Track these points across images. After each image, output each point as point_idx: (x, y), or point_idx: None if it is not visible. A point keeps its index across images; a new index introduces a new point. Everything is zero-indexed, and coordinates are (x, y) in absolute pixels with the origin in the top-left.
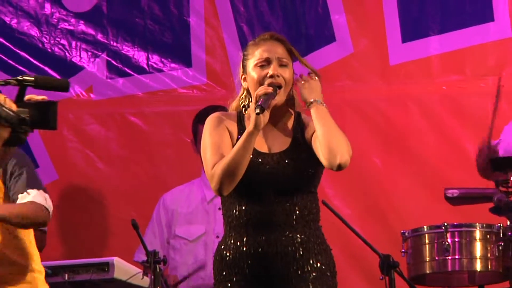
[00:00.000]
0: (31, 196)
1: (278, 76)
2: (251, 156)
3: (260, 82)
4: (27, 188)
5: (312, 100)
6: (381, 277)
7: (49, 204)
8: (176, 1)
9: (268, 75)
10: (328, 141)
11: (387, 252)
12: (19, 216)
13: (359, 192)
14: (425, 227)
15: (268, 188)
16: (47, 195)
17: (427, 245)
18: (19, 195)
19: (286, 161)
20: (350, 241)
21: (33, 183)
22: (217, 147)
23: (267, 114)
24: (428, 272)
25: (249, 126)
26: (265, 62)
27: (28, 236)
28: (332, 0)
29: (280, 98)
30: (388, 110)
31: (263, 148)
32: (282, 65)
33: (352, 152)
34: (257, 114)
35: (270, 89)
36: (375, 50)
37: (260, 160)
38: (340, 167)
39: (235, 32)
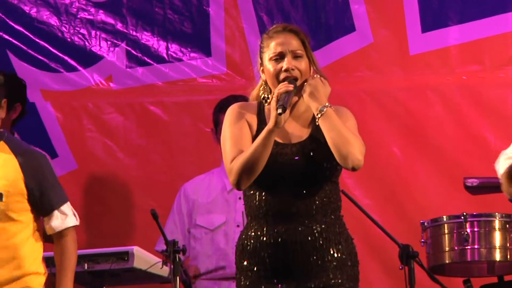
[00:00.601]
0: (68, 220)
1: (293, 69)
2: (274, 147)
3: (276, 76)
4: (58, 204)
5: (316, 112)
6: (400, 267)
7: (76, 219)
8: None
9: (283, 69)
10: (337, 147)
11: (406, 242)
12: (73, 272)
13: (379, 182)
14: (444, 217)
15: (287, 179)
16: (71, 208)
17: (446, 235)
18: (54, 213)
19: (305, 151)
20: (369, 231)
21: (63, 194)
22: (236, 140)
23: (287, 111)
24: (447, 262)
25: (269, 123)
26: (279, 56)
27: (34, 238)
28: None
29: (298, 89)
30: (407, 100)
31: (283, 139)
32: (296, 56)
33: (372, 142)
34: (279, 114)
35: (290, 87)
36: (394, 40)
37: (279, 150)
38: (354, 169)
39: (255, 21)
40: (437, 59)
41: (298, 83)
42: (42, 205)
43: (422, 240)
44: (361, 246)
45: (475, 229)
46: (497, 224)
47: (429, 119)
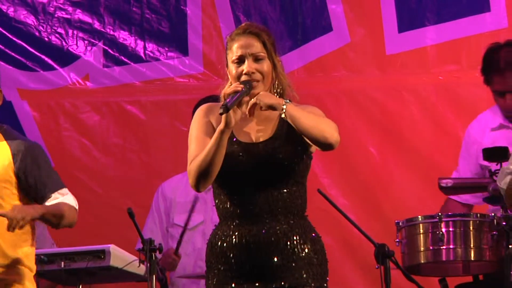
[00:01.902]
0: (64, 197)
1: (253, 72)
2: (234, 146)
3: (237, 78)
4: (56, 187)
5: (280, 107)
6: (376, 266)
7: (76, 202)
8: None
9: (243, 73)
10: (311, 129)
11: (382, 242)
12: (56, 215)
13: (355, 182)
14: (419, 217)
15: (250, 179)
16: (70, 193)
17: (421, 235)
18: (52, 194)
19: (267, 151)
20: (345, 230)
21: (59, 180)
22: (199, 143)
23: (238, 110)
24: (422, 261)
25: (220, 124)
26: (240, 59)
27: (28, 234)
28: None
29: (259, 90)
30: (384, 100)
31: (246, 138)
32: (257, 59)
33: (348, 142)
34: (220, 114)
35: (239, 88)
36: (371, 40)
37: (241, 150)
38: (332, 146)
39: (232, 21)
40: (413, 59)
41: (260, 84)
42: (38, 192)
43: (397, 239)
44: (337, 245)
45: (450, 229)
46: (471, 224)
47: (406, 119)
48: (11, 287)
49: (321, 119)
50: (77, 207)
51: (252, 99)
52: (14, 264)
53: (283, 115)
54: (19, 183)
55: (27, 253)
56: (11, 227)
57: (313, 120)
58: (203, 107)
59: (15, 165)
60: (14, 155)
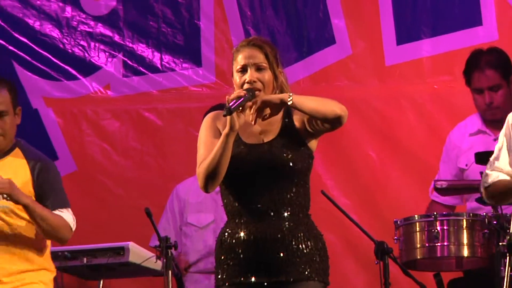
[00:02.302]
0: (63, 214)
1: (255, 81)
2: (240, 148)
3: (241, 86)
4: (58, 205)
5: (286, 98)
6: (376, 262)
7: (74, 223)
8: (188, 5)
9: (246, 81)
10: (320, 109)
11: (381, 239)
12: (43, 218)
13: (356, 183)
14: (416, 216)
15: (256, 179)
16: (71, 213)
17: (418, 233)
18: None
19: (273, 151)
20: (347, 228)
21: (65, 199)
22: (207, 148)
23: (242, 115)
24: (418, 257)
25: (226, 127)
26: (243, 69)
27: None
28: (332, 5)
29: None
30: (383, 108)
31: (251, 139)
32: (259, 69)
33: (350, 146)
34: (224, 115)
35: (242, 93)
36: (371, 52)
37: (247, 151)
38: (342, 118)
39: (242, 34)
40: (410, 69)
41: (261, 93)
42: (43, 204)
43: (396, 237)
44: (339, 242)
45: (445, 228)
46: (464, 223)
47: (403, 125)
48: None
49: (325, 98)
50: (73, 227)
51: (254, 105)
52: (39, 268)
53: (290, 103)
54: (36, 197)
55: (48, 256)
56: None
57: (318, 100)
58: (210, 115)
59: (33, 181)
60: (32, 172)
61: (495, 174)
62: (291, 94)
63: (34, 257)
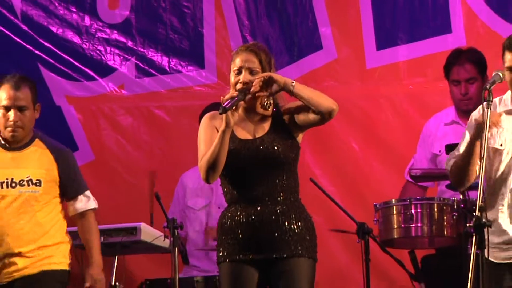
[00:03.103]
0: (90, 203)
1: (247, 83)
2: (235, 143)
3: (234, 86)
4: (82, 190)
5: (290, 82)
6: (358, 241)
7: (95, 203)
8: (192, 15)
9: (239, 82)
10: (317, 100)
11: (362, 221)
12: (100, 246)
13: (341, 172)
14: (393, 200)
15: (251, 170)
16: (91, 194)
17: (395, 215)
18: (79, 197)
19: (264, 146)
20: (333, 211)
21: (84, 183)
22: (206, 144)
23: (236, 113)
24: (395, 237)
25: (222, 125)
26: (238, 71)
27: (63, 213)
28: (320, 15)
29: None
30: (364, 106)
31: (245, 135)
32: (252, 72)
33: (335, 140)
34: (220, 113)
35: (235, 94)
36: (354, 57)
37: (242, 146)
38: (333, 112)
39: (240, 40)
40: (388, 72)
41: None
42: (69, 190)
43: (375, 219)
44: (326, 223)
45: (418, 210)
46: (436, 206)
47: (382, 121)
48: (58, 263)
49: (321, 93)
50: (96, 206)
51: (263, 78)
52: (59, 242)
53: (292, 89)
54: (60, 183)
55: (65, 231)
56: None
57: (316, 92)
58: (207, 115)
59: (58, 168)
60: (56, 161)
61: (452, 160)
62: (294, 81)
63: (55, 233)
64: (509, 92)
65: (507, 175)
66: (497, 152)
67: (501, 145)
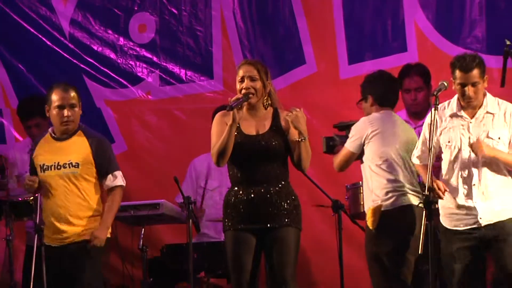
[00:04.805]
0: (117, 180)
1: (248, 88)
2: (242, 137)
3: (240, 91)
4: (112, 170)
5: (303, 138)
6: (332, 214)
7: (124, 181)
8: (204, 37)
9: (243, 87)
10: (303, 161)
11: (336, 198)
12: (114, 215)
13: (320, 160)
14: (360, 182)
15: (252, 158)
16: (121, 174)
17: (361, 194)
18: (108, 176)
19: (265, 140)
20: (313, 191)
21: (116, 164)
22: (218, 136)
23: (241, 112)
24: (362, 211)
25: (230, 121)
26: (242, 79)
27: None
28: (304, 37)
29: (255, 100)
30: (339, 109)
31: (250, 131)
32: (252, 80)
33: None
34: (227, 110)
35: (240, 96)
36: (331, 70)
37: (246, 140)
38: (303, 170)
39: (241, 57)
40: (358, 82)
41: (253, 97)
42: (101, 170)
43: (346, 197)
44: (308, 201)
45: None
46: None
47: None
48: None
49: (309, 157)
50: (124, 183)
51: (295, 113)
52: (97, 214)
53: (301, 141)
54: (96, 164)
55: (101, 204)
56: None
57: (308, 157)
58: (220, 113)
59: (92, 152)
60: (91, 146)
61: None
62: (305, 138)
63: (93, 206)
64: (455, 97)
65: (453, 164)
66: (447, 146)
67: (449, 141)
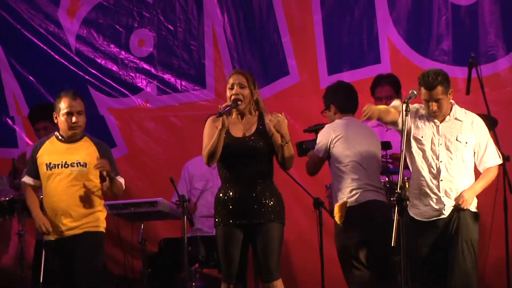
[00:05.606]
0: (121, 181)
1: (238, 94)
2: (230, 140)
3: (230, 98)
4: (116, 174)
5: (285, 142)
6: (314, 210)
7: (124, 184)
8: (197, 50)
9: (232, 94)
10: (287, 161)
11: (317, 196)
12: (118, 187)
13: (302, 161)
14: None
15: (240, 159)
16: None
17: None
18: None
19: (251, 142)
20: (296, 189)
21: (117, 170)
22: (209, 138)
23: (230, 117)
24: None
25: (219, 125)
26: (232, 86)
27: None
28: (288, 51)
29: (243, 106)
30: (318, 114)
31: (237, 134)
32: (241, 87)
33: (296, 139)
34: (217, 117)
35: (229, 103)
36: (312, 80)
37: (234, 142)
38: (287, 170)
39: (231, 68)
40: None
41: (242, 104)
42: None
43: (326, 195)
44: (292, 199)
45: None
46: None
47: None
48: (97, 226)
49: (293, 158)
50: (124, 187)
51: (276, 117)
52: (98, 210)
53: (284, 145)
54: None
55: (102, 202)
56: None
57: (292, 154)
58: (210, 118)
59: (99, 156)
60: (99, 152)
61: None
62: (288, 142)
63: (95, 202)
64: None
65: (425, 158)
66: (420, 142)
67: (422, 137)
